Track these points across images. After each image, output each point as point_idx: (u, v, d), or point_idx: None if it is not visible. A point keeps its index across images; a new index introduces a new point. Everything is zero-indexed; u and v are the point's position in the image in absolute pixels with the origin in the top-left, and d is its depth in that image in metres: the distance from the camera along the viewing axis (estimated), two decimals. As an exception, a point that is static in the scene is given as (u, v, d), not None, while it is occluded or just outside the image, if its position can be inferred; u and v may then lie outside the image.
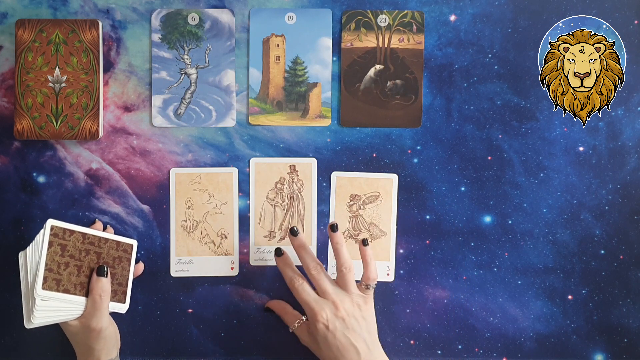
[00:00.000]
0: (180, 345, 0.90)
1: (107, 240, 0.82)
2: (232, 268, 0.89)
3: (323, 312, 0.80)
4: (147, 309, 0.89)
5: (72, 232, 0.79)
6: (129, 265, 0.84)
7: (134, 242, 0.84)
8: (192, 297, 0.89)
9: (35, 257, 0.77)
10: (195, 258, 0.89)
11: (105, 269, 0.80)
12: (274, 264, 0.89)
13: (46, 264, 0.76)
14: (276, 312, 0.88)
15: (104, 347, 0.80)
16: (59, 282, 0.77)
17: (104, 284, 0.79)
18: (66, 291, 0.78)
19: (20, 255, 0.79)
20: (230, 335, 0.90)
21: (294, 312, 0.87)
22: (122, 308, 0.83)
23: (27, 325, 0.77)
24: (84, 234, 0.80)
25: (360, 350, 0.80)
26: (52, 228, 0.77)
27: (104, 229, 0.86)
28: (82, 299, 0.79)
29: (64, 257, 0.78)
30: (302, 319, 0.85)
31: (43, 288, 0.76)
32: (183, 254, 0.89)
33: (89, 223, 0.87)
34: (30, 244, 0.78)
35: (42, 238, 0.77)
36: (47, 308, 0.77)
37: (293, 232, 0.83)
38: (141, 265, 0.87)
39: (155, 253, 0.89)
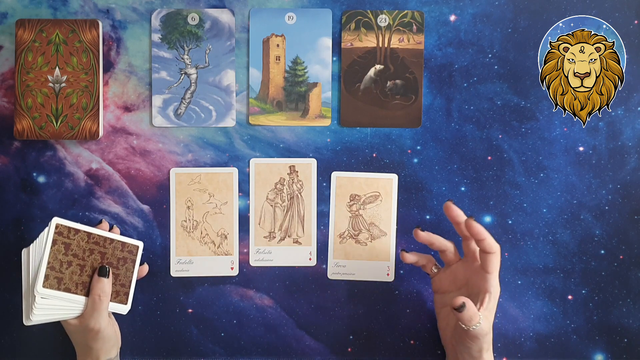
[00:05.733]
0: (180, 345, 0.90)
1: (112, 240, 0.82)
2: (232, 268, 0.89)
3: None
4: (147, 309, 0.89)
5: (77, 231, 0.79)
6: (133, 267, 0.83)
7: (140, 244, 0.84)
8: (192, 297, 0.89)
9: (38, 254, 0.77)
10: (195, 258, 0.89)
11: (107, 269, 0.80)
12: (274, 264, 0.89)
13: (48, 262, 0.77)
14: (465, 308, 0.75)
15: (102, 347, 0.80)
16: (61, 280, 0.77)
17: (104, 285, 0.79)
18: (67, 290, 0.78)
19: (24, 252, 0.79)
20: (230, 335, 0.90)
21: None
22: (124, 309, 0.82)
23: (26, 322, 0.78)
24: (89, 234, 0.80)
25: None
26: (57, 226, 0.78)
27: (110, 229, 0.86)
28: (82, 299, 0.79)
29: (67, 255, 0.78)
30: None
31: (44, 286, 0.76)
32: (183, 254, 0.89)
33: (89, 223, 0.87)
34: (34, 241, 0.78)
35: (46, 236, 0.77)
36: (47, 306, 0.77)
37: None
38: (145, 267, 0.87)
39: (155, 253, 0.89)
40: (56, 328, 0.85)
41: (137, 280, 0.86)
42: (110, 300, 0.80)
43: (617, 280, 0.90)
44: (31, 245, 0.78)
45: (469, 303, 0.75)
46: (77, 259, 0.79)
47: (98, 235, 0.81)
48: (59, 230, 0.78)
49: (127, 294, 0.83)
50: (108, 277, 0.80)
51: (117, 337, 0.84)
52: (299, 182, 0.89)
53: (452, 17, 0.89)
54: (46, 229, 0.78)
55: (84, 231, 0.80)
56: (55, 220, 0.78)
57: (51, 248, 0.77)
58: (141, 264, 0.87)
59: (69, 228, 0.79)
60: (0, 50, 0.87)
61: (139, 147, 0.89)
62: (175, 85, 0.88)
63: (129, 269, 0.83)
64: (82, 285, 0.79)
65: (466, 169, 0.90)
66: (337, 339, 0.90)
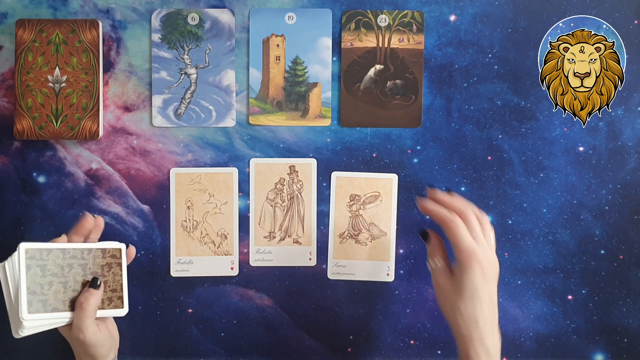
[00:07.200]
0: (180, 345, 0.90)
1: (90, 250, 0.79)
2: (232, 268, 0.89)
3: (484, 257, 0.73)
4: (147, 309, 0.89)
5: (49, 250, 0.76)
6: (121, 270, 0.81)
7: (122, 246, 0.81)
8: (192, 297, 0.89)
9: (14, 279, 0.74)
10: (195, 258, 0.89)
11: (99, 281, 0.78)
12: (274, 264, 0.89)
13: (28, 288, 0.73)
14: (429, 241, 0.78)
15: (96, 352, 0.78)
16: (46, 302, 0.74)
17: (87, 296, 0.76)
18: (55, 310, 0.75)
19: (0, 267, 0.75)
20: (230, 335, 0.90)
21: (444, 251, 0.77)
22: (122, 312, 0.81)
23: (15, 336, 0.75)
24: (63, 250, 0.77)
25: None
26: (26, 251, 0.74)
27: (95, 222, 0.82)
28: (69, 313, 0.76)
29: (45, 277, 0.75)
30: (446, 264, 0.76)
31: (29, 312, 0.73)
32: (183, 254, 0.89)
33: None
34: (8, 259, 0.74)
35: (18, 263, 0.73)
36: (35, 325, 0.74)
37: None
38: (132, 249, 0.84)
39: (155, 253, 0.89)
40: (56, 329, 0.85)
41: (136, 280, 0.86)
42: (106, 307, 0.79)
43: (617, 280, 0.90)
44: (5, 263, 0.74)
45: (434, 235, 0.79)
46: (57, 278, 0.76)
47: (73, 249, 0.77)
48: (30, 255, 0.74)
49: (121, 298, 0.81)
50: (98, 289, 0.78)
51: (113, 340, 0.81)
52: (299, 182, 0.89)
53: (452, 17, 0.89)
54: (15, 254, 0.74)
55: (58, 249, 0.76)
56: (24, 246, 0.74)
57: (26, 274, 0.73)
58: (141, 263, 0.86)
59: (40, 250, 0.75)
60: (0, 50, 0.87)
61: (139, 147, 0.89)
62: (175, 85, 0.88)
63: (117, 273, 0.81)
64: (70, 301, 0.76)
65: (466, 169, 0.90)
66: (337, 339, 0.90)
